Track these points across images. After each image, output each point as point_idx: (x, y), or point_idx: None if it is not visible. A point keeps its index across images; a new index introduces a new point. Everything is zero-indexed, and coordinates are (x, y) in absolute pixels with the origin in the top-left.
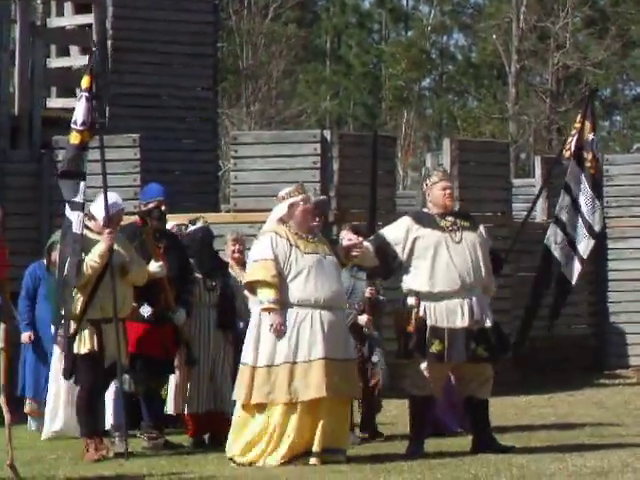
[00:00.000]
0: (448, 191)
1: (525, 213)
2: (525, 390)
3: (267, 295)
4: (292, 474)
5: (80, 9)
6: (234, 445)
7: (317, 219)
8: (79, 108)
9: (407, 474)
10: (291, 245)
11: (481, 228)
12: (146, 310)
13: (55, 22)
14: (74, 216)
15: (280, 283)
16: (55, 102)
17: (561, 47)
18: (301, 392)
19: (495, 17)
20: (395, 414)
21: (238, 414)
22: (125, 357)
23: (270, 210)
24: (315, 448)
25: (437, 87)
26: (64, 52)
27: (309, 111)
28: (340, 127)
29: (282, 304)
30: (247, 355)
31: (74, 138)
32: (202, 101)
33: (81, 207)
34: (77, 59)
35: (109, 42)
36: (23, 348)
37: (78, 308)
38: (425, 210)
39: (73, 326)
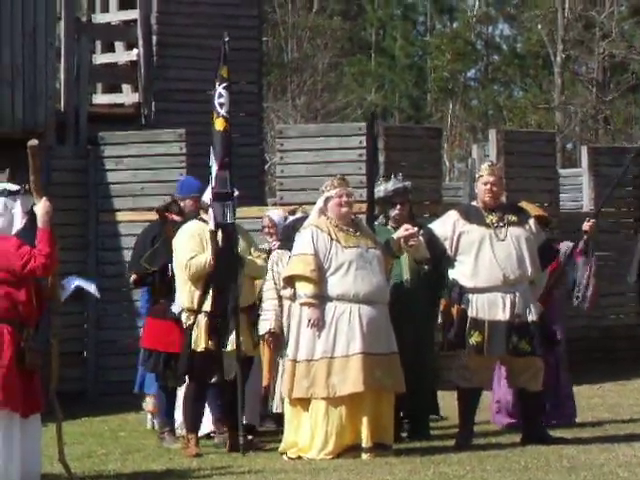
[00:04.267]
0: (488, 186)
1: (571, 203)
2: (574, 380)
3: (305, 290)
4: (341, 467)
5: (125, 5)
6: (284, 439)
7: (398, 206)
8: (224, 96)
9: (456, 466)
10: (332, 239)
11: (531, 222)
12: (176, 308)
13: (100, 18)
14: (219, 207)
15: (320, 277)
16: (101, 98)
17: (607, 36)
18: (339, 387)
19: (540, 7)
20: (442, 406)
21: (286, 409)
22: (252, 349)
23: (315, 203)
24: (364, 443)
25: (482, 78)
26: (109, 48)
27: (354, 103)
28: (385, 119)
29: (321, 299)
30: (290, 350)
31: (220, 124)
32: (247, 95)
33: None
34: (122, 55)
35: (154, 37)
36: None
37: (195, 302)
38: (474, 204)
39: (190, 319)
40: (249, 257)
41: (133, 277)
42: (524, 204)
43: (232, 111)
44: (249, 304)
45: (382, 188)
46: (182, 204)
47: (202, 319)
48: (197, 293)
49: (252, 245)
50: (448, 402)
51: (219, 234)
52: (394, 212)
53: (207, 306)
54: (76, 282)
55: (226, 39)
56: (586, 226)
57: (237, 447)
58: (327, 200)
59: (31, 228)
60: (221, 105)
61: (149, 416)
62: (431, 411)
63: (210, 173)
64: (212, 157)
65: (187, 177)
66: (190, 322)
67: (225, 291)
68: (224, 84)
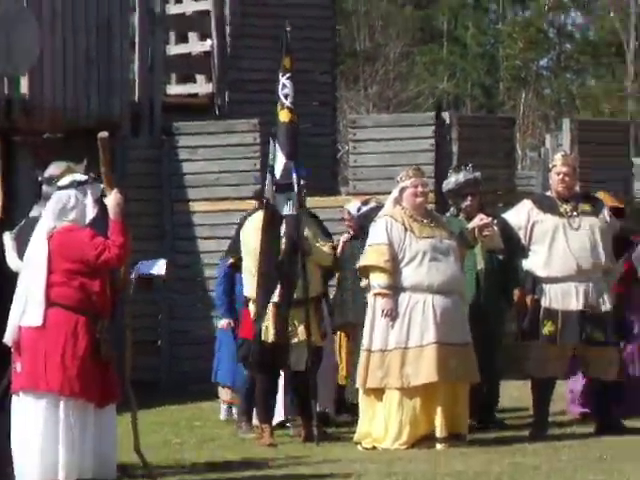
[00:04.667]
0: (561, 176)
1: None
2: None
3: (379, 280)
4: (417, 458)
5: None
6: (358, 430)
7: (469, 197)
8: (288, 87)
9: (531, 456)
10: (406, 229)
11: (605, 212)
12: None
13: (174, 9)
14: (281, 198)
15: (393, 268)
16: (175, 89)
17: None
18: (413, 377)
19: None
20: (516, 396)
21: (360, 399)
22: (320, 339)
23: (389, 193)
24: (439, 433)
25: (555, 66)
26: (183, 39)
27: (426, 92)
28: (457, 108)
29: (395, 289)
30: (364, 339)
31: (285, 116)
32: (321, 85)
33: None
34: (196, 45)
35: (227, 28)
36: (219, 334)
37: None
38: (548, 193)
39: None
40: (315, 245)
41: (230, 261)
42: (601, 194)
43: (305, 101)
44: (317, 294)
45: (452, 180)
46: None
47: (270, 310)
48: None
49: (318, 235)
50: (523, 392)
51: (282, 225)
52: (465, 203)
53: (275, 297)
54: (139, 270)
55: (288, 29)
56: None
57: (311, 437)
58: (402, 190)
59: (102, 218)
60: (286, 96)
61: (224, 406)
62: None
63: (271, 165)
64: (275, 148)
65: None
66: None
67: (290, 282)
68: (287, 75)
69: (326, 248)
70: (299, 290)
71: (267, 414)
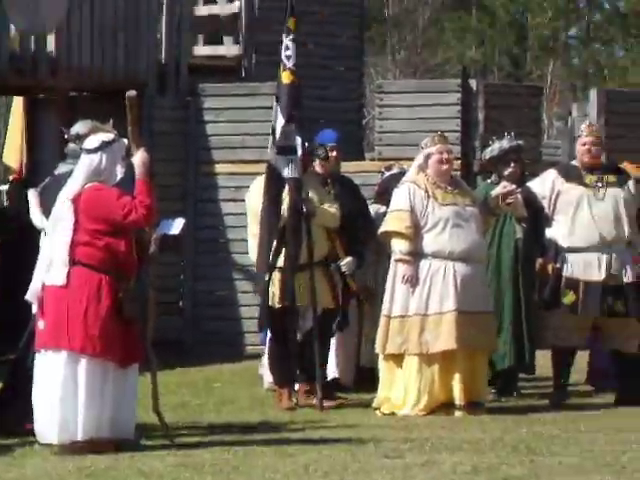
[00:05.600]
0: (587, 147)
1: None
2: None
3: (400, 246)
4: (435, 424)
5: None
6: (377, 395)
7: (512, 164)
8: (291, 49)
9: (550, 425)
10: (429, 196)
11: (630, 184)
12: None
13: None
14: (284, 161)
15: (415, 234)
16: (202, 50)
17: None
18: (432, 344)
19: None
20: (539, 364)
21: (380, 364)
22: (331, 302)
23: (413, 159)
24: (457, 401)
25: (584, 36)
26: (211, 0)
27: (454, 60)
28: (485, 76)
29: (416, 256)
30: (384, 305)
31: (286, 77)
32: (348, 49)
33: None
34: (224, 7)
35: None
36: None
37: (269, 257)
38: (573, 163)
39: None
40: (320, 207)
41: None
42: (626, 165)
43: (332, 65)
44: (325, 256)
45: (497, 146)
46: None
47: (276, 275)
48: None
49: (325, 197)
50: (544, 361)
51: (285, 189)
52: (508, 170)
53: (281, 262)
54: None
55: None
56: None
57: (316, 404)
58: (428, 157)
59: (129, 177)
60: (288, 57)
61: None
62: (527, 370)
63: (273, 127)
64: (277, 110)
65: (325, 129)
66: (265, 279)
67: (293, 246)
68: (291, 36)
69: (332, 209)
70: (304, 253)
71: (283, 377)
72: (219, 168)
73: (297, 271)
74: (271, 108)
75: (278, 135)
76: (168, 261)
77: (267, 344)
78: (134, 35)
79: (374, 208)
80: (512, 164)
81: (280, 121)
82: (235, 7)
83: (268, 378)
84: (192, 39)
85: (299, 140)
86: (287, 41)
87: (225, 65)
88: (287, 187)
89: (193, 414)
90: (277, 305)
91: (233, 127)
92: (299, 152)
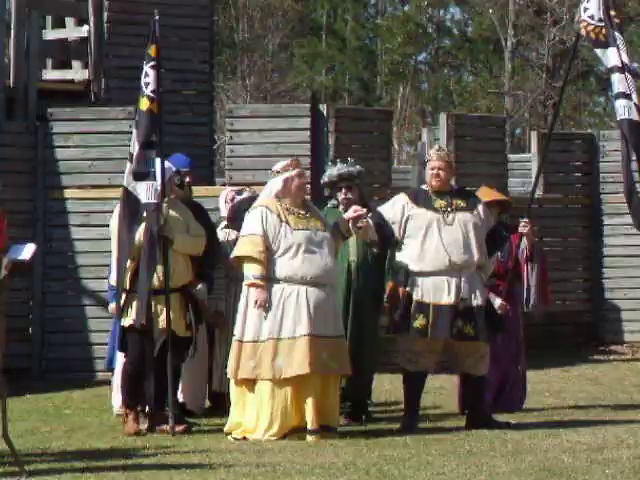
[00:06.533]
0: (435, 171)
1: (520, 189)
2: None
3: (252, 271)
4: (287, 449)
5: None
6: (229, 420)
7: (344, 191)
8: (150, 76)
9: (402, 449)
10: (281, 221)
11: (480, 208)
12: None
13: None
14: (142, 187)
15: (267, 259)
16: (51, 74)
17: (558, 22)
18: (285, 369)
19: None
20: (388, 389)
21: (232, 389)
22: (185, 330)
23: (265, 184)
24: (310, 425)
25: (433, 61)
26: (60, 23)
27: (304, 85)
28: (335, 101)
29: (268, 280)
30: (237, 330)
31: (144, 104)
32: (198, 74)
33: (153, 176)
34: (73, 31)
35: (105, 14)
36: (113, 321)
37: (127, 280)
38: (423, 187)
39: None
40: (180, 235)
41: None
42: (484, 189)
43: (182, 90)
44: (183, 283)
45: (328, 173)
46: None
47: (132, 298)
48: (128, 272)
49: (189, 223)
50: (395, 385)
51: (144, 214)
52: (341, 196)
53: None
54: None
55: (156, 17)
56: (523, 229)
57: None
58: (286, 181)
59: None
60: (146, 85)
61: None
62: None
63: (130, 153)
64: (134, 136)
65: (176, 154)
66: (122, 301)
67: (146, 271)
68: (151, 63)
69: (195, 237)
70: (160, 279)
71: (131, 399)
72: (68, 193)
73: (152, 295)
74: (120, 133)
75: (135, 161)
76: (16, 286)
77: (119, 366)
78: None
79: (223, 233)
80: (343, 190)
81: (136, 147)
82: (84, 31)
83: (117, 403)
84: (41, 63)
85: (159, 166)
86: (147, 68)
87: (75, 89)
88: (145, 212)
89: (43, 440)
90: (126, 325)
91: (82, 152)
92: (158, 178)
